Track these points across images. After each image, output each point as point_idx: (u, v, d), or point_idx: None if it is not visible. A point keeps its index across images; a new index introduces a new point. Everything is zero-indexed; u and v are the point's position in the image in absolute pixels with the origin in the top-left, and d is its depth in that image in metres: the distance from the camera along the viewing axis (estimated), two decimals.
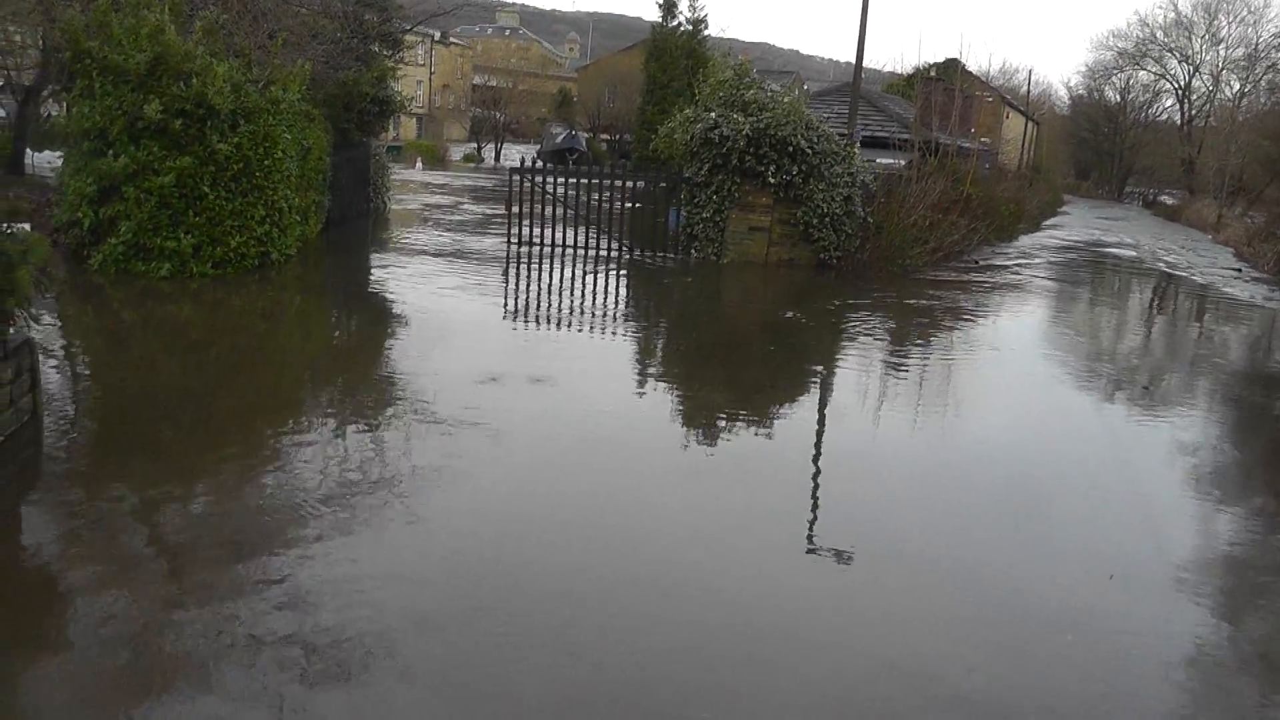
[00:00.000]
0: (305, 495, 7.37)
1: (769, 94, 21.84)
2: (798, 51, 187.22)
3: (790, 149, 20.52)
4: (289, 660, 5.09)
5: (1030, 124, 67.97)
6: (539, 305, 16.27)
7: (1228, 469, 10.23)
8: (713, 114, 21.18)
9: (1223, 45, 72.19)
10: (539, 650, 5.40)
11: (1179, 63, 76.66)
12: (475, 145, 71.74)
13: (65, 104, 17.14)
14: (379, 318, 14.91)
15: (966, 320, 17.33)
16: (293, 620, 5.49)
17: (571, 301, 16.63)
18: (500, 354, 12.50)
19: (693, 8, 49.99)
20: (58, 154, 15.48)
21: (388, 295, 16.47)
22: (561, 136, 62.54)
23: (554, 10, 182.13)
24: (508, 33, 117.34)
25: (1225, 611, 6.61)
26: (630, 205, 23.64)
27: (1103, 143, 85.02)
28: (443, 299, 15.90)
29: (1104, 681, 5.51)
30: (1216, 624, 6.39)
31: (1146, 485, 9.26)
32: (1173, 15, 75.03)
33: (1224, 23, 72.04)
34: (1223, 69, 71.98)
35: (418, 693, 4.95)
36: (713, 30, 49.14)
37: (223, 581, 5.89)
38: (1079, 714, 5.22)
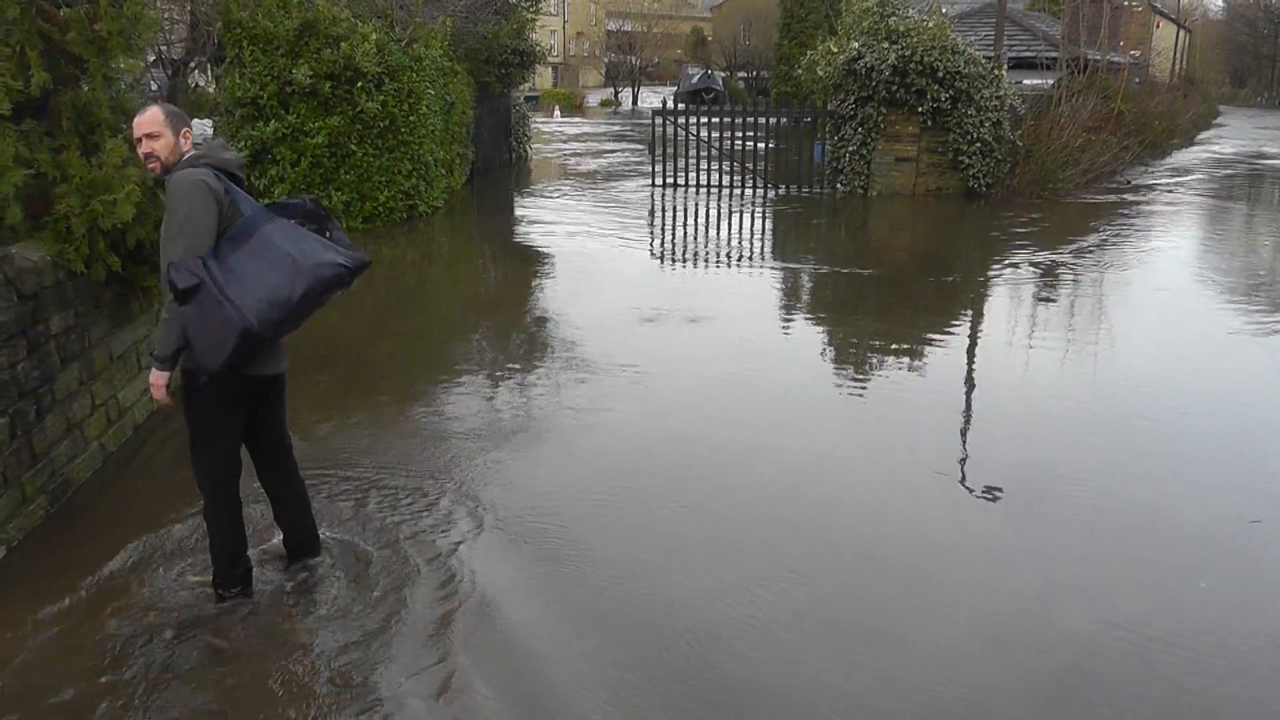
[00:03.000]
0: (480, 426, 7.66)
1: (913, 20, 21.38)
2: None
3: (939, 74, 20.07)
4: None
5: (1182, 32, 65.15)
6: (687, 246, 16.20)
7: None
8: (856, 44, 20.81)
9: None
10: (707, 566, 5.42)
11: None
12: (612, 91, 71.73)
13: (211, 75, 17.59)
14: (529, 263, 15.02)
15: (1121, 246, 16.70)
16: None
17: (719, 241, 16.55)
18: (654, 295, 12.48)
19: None
20: (206, 121, 15.86)
21: (535, 241, 16.61)
22: (697, 77, 62.12)
23: None
24: None
25: None
26: (772, 142, 23.41)
27: (1261, 46, 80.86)
28: (590, 243, 15.99)
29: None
30: None
31: None
32: None
33: None
34: None
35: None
36: None
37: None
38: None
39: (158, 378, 4.70)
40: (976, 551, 5.95)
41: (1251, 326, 11.68)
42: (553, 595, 5.34)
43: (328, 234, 4.78)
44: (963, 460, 7.39)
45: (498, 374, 9.30)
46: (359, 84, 15.48)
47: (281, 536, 5.47)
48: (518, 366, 9.53)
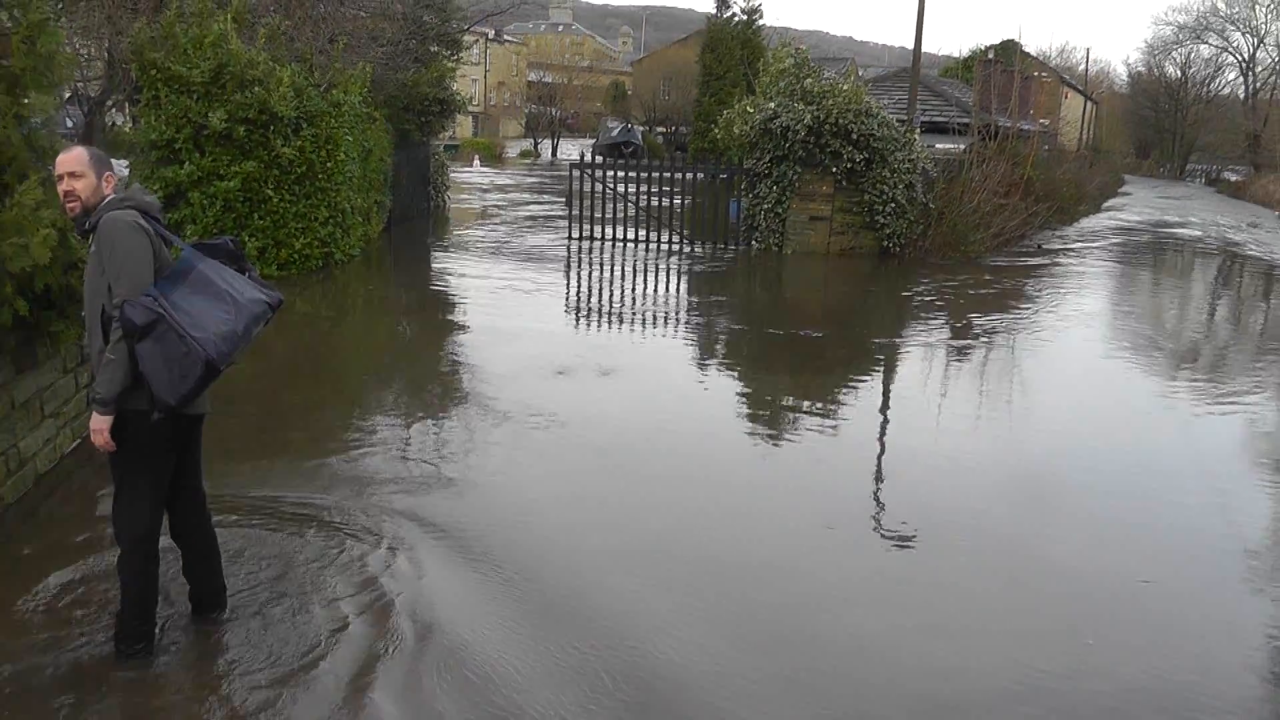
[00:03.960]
0: (378, 477, 7.54)
1: (828, 82, 21.75)
2: (851, 38, 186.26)
3: (853, 136, 20.42)
4: None
5: (1089, 104, 67.22)
6: (602, 300, 16.30)
7: None
8: (773, 104, 21.12)
9: None
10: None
11: (1242, 35, 76.36)
12: (532, 142, 71.93)
13: (129, 114, 17.41)
14: (445, 314, 14.98)
15: (1031, 307, 17.12)
16: None
17: (634, 296, 16.64)
18: (566, 348, 12.52)
19: None
20: (124, 162, 15.70)
21: (450, 293, 16.58)
22: (617, 130, 62.51)
23: (607, 5, 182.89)
24: (561, 28, 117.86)
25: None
26: (689, 198, 23.64)
27: (1163, 120, 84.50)
28: (505, 295, 15.95)
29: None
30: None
31: (1221, 478, 9.06)
32: None
33: None
34: None
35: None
36: (767, 19, 49.09)
37: None
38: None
39: (101, 422, 4.64)
40: (883, 602, 6.04)
41: (1158, 389, 12.06)
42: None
43: (246, 274, 4.91)
44: (876, 514, 7.52)
45: (413, 421, 9.25)
46: (274, 128, 15.37)
47: (190, 590, 5.39)
48: (432, 414, 9.52)
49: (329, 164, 16.52)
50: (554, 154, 68.17)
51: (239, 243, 5.02)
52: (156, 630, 5.13)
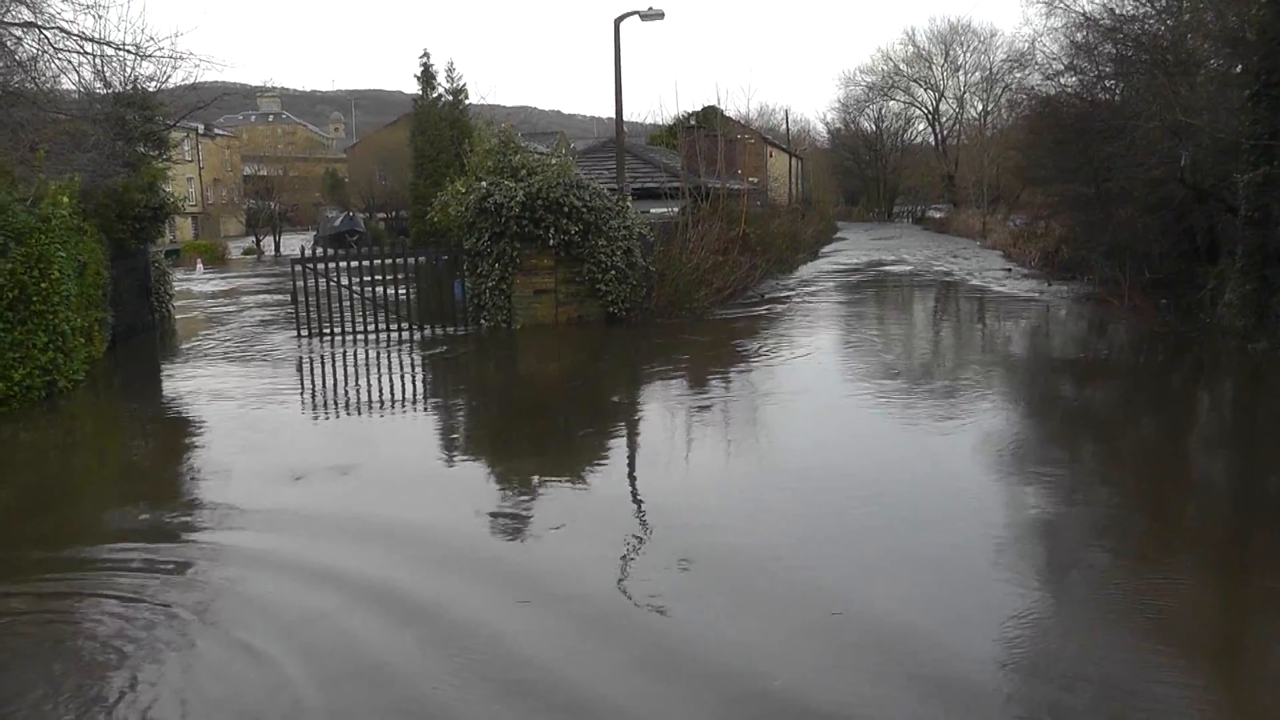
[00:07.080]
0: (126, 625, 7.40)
1: (537, 157, 22.41)
2: (559, 112, 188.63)
3: (565, 209, 21.16)
4: None
5: (794, 160, 71.27)
6: (337, 396, 16.34)
7: (1026, 450, 11.69)
8: (484, 183, 21.65)
9: (961, 71, 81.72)
10: None
11: (924, 90, 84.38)
12: (254, 238, 70.32)
13: None
14: (179, 432, 14.62)
15: (760, 353, 18.24)
16: None
17: (369, 388, 16.77)
18: (307, 450, 12.60)
19: (451, 78, 50.34)
20: None
21: (186, 409, 16.17)
22: (339, 219, 62.04)
23: (314, 91, 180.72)
24: (271, 118, 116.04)
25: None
26: (416, 283, 23.83)
27: (866, 169, 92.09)
28: (241, 404, 15.56)
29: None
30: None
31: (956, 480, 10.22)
32: (912, 49, 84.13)
33: (959, 52, 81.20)
34: (964, 92, 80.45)
35: None
36: (473, 99, 49.60)
37: None
38: None
39: None
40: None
41: (894, 409, 13.44)
42: None
43: None
44: (626, 557, 8.08)
45: (158, 549, 9.07)
46: None
47: None
48: (179, 536, 9.42)
49: (44, 284, 15.60)
50: (277, 250, 66.64)
51: None
52: None
